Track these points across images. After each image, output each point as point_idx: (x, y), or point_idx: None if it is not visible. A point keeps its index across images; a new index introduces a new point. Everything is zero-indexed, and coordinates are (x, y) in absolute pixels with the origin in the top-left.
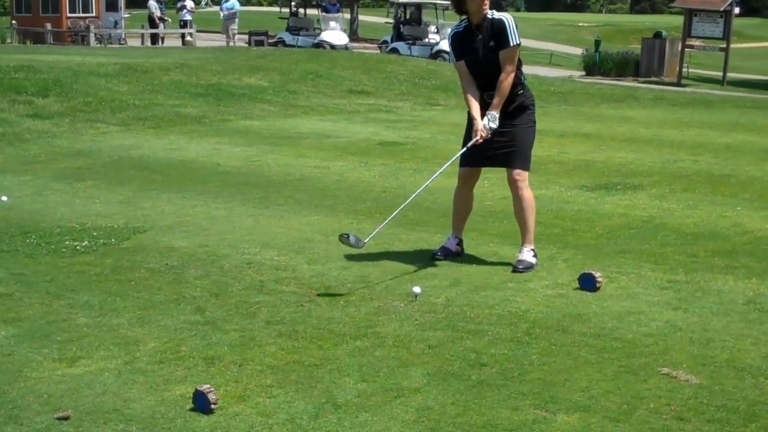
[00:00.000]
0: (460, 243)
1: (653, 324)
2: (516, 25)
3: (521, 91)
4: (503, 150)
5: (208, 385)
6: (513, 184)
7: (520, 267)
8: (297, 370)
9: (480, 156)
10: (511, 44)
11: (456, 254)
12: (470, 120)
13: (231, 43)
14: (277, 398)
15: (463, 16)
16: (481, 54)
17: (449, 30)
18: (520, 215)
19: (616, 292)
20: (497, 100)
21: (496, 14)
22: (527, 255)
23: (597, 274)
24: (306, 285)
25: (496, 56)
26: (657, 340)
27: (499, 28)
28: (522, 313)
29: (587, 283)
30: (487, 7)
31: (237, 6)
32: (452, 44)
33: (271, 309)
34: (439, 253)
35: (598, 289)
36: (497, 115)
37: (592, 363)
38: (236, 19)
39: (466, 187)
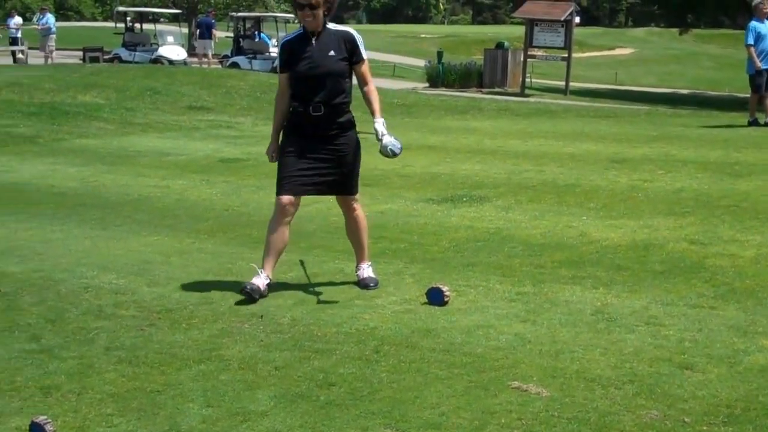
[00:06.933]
0: (269, 284)
1: (502, 337)
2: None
3: (348, 110)
4: (334, 177)
5: (45, 417)
6: (349, 209)
7: (372, 285)
8: (138, 397)
9: (306, 183)
10: (364, 58)
11: (263, 295)
12: (289, 143)
13: (49, 60)
14: (119, 427)
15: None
16: (318, 62)
17: None
18: (357, 235)
19: (464, 305)
20: (377, 106)
21: (339, 27)
22: (371, 271)
23: (445, 288)
24: (146, 308)
25: (332, 66)
26: (507, 353)
27: (349, 40)
28: (370, 331)
29: (435, 297)
30: (320, 18)
31: (52, 21)
32: (281, 53)
33: (110, 334)
34: (248, 288)
35: (447, 303)
36: (384, 120)
37: (442, 379)
38: (53, 35)
39: (287, 217)
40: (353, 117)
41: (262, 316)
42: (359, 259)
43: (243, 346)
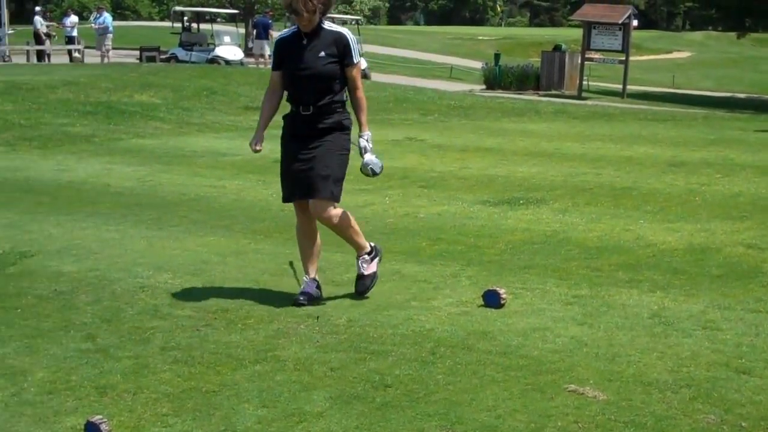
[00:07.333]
0: (318, 286)
1: (559, 340)
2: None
3: (340, 110)
4: (306, 176)
5: (101, 416)
6: (317, 216)
7: (368, 283)
8: (194, 397)
9: (294, 186)
10: (355, 61)
11: (318, 298)
12: (283, 146)
13: (105, 60)
14: (174, 427)
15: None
16: (307, 63)
17: None
18: (342, 237)
19: (521, 308)
20: (363, 118)
21: (335, 27)
22: (369, 265)
23: (501, 291)
24: (202, 308)
25: (320, 68)
26: (563, 356)
27: (342, 42)
28: (426, 332)
29: (491, 300)
30: (315, 19)
31: (109, 21)
32: (275, 51)
33: (165, 334)
34: (301, 299)
35: (503, 305)
36: (371, 134)
37: (499, 381)
38: (110, 35)
39: (305, 220)
40: (347, 119)
41: (318, 317)
42: (357, 254)
43: (299, 346)
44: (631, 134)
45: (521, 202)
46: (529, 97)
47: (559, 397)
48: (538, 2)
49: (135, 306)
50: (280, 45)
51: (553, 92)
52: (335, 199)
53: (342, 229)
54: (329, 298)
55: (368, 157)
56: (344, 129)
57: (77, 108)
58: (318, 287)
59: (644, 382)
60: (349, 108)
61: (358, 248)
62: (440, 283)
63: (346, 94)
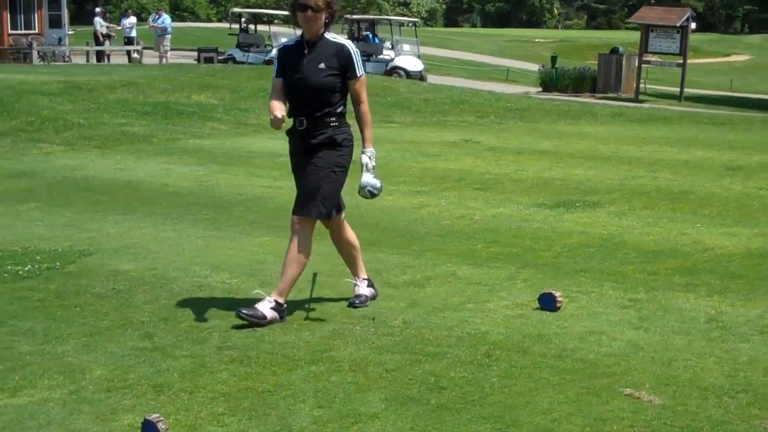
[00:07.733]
0: (371, 284)
1: (615, 344)
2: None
3: (334, 123)
4: (299, 192)
5: (158, 414)
6: (293, 227)
7: (244, 312)
8: (250, 397)
9: None
10: (359, 75)
11: (373, 297)
12: (291, 162)
13: (164, 61)
14: (230, 427)
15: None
16: (306, 74)
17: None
18: (285, 264)
19: (576, 311)
20: (368, 133)
21: (339, 38)
22: (262, 305)
23: (557, 294)
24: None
25: (320, 80)
26: (619, 360)
27: (344, 54)
28: (481, 335)
29: (547, 302)
30: (321, 23)
31: (168, 22)
32: (277, 59)
33: (222, 334)
34: (357, 302)
35: (559, 308)
36: (374, 151)
37: (554, 385)
38: (168, 36)
39: (332, 231)
40: (341, 134)
41: (374, 319)
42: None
43: (354, 348)
44: (688, 137)
45: (577, 205)
46: (585, 99)
47: (614, 401)
48: (596, 5)
49: (192, 305)
50: (283, 53)
51: (610, 95)
52: (323, 216)
53: (293, 259)
54: (385, 300)
55: (365, 178)
56: (336, 145)
57: (136, 108)
58: (371, 285)
59: (700, 387)
60: (351, 120)
61: (278, 293)
62: (496, 285)
63: (343, 108)
